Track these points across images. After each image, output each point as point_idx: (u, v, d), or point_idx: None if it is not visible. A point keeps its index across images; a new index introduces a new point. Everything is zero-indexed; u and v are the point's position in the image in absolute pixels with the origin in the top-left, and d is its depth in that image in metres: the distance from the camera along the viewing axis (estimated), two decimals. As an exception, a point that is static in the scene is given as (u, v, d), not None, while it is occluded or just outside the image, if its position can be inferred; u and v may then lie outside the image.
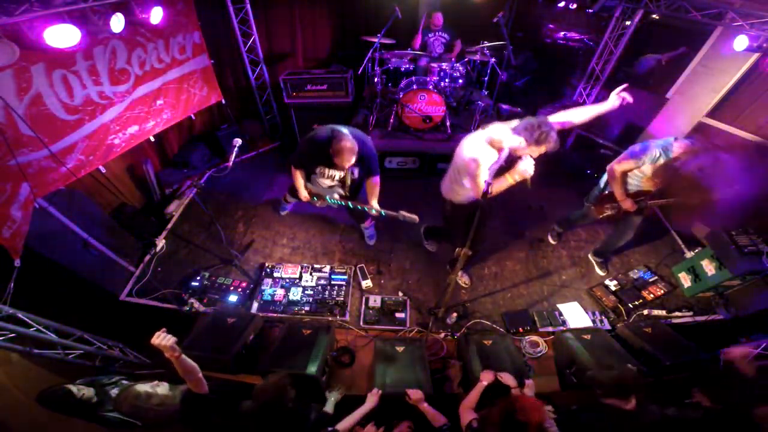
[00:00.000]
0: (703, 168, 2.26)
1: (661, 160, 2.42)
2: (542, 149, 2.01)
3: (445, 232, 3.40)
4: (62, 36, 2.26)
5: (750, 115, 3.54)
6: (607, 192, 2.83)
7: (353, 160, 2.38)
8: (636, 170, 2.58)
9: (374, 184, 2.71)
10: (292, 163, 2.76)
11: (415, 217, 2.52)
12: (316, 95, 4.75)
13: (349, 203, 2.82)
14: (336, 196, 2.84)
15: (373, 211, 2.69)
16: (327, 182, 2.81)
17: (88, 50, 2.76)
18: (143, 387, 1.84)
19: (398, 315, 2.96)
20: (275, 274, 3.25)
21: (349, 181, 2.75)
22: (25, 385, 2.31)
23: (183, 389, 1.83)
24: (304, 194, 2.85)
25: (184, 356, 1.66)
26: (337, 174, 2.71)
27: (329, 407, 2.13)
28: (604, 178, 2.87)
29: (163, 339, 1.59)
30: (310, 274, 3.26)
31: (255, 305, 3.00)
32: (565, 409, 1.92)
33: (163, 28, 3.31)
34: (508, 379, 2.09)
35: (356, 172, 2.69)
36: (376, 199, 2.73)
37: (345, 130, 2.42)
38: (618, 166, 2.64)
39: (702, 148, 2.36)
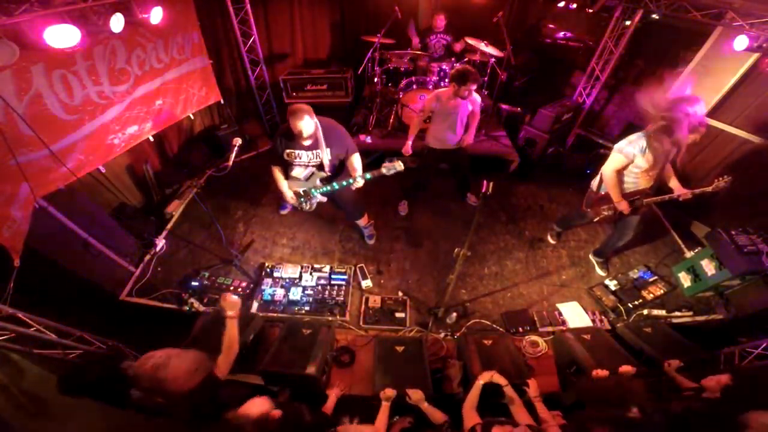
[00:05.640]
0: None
1: (648, 148, 2.40)
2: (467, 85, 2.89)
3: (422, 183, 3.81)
4: (62, 36, 2.26)
5: (750, 115, 3.54)
6: (602, 193, 2.83)
7: (306, 122, 2.41)
8: (631, 166, 2.55)
9: (355, 162, 2.75)
10: (272, 161, 2.81)
11: (399, 165, 2.50)
12: (316, 95, 4.76)
13: (335, 184, 2.82)
14: (318, 182, 2.84)
15: (359, 179, 2.68)
16: (302, 171, 2.80)
17: (87, 50, 2.76)
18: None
19: (398, 315, 2.97)
20: (275, 274, 3.25)
21: (326, 161, 2.71)
22: (25, 385, 2.31)
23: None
24: (289, 195, 2.87)
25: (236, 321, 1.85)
26: (304, 154, 2.68)
27: None
28: (597, 179, 2.86)
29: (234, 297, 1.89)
30: (310, 274, 3.26)
31: (255, 305, 3.00)
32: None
33: (162, 28, 3.31)
34: (499, 378, 2.09)
35: (329, 152, 2.68)
36: (360, 171, 2.75)
37: None
38: (610, 166, 2.62)
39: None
